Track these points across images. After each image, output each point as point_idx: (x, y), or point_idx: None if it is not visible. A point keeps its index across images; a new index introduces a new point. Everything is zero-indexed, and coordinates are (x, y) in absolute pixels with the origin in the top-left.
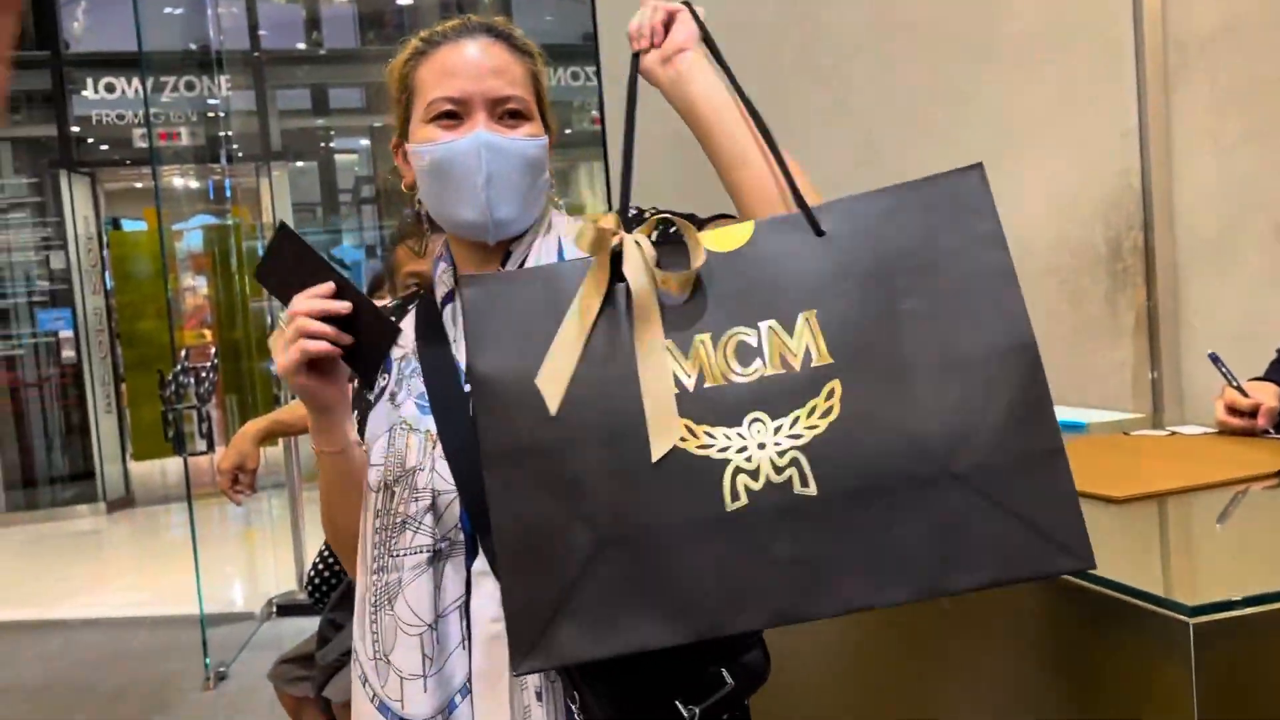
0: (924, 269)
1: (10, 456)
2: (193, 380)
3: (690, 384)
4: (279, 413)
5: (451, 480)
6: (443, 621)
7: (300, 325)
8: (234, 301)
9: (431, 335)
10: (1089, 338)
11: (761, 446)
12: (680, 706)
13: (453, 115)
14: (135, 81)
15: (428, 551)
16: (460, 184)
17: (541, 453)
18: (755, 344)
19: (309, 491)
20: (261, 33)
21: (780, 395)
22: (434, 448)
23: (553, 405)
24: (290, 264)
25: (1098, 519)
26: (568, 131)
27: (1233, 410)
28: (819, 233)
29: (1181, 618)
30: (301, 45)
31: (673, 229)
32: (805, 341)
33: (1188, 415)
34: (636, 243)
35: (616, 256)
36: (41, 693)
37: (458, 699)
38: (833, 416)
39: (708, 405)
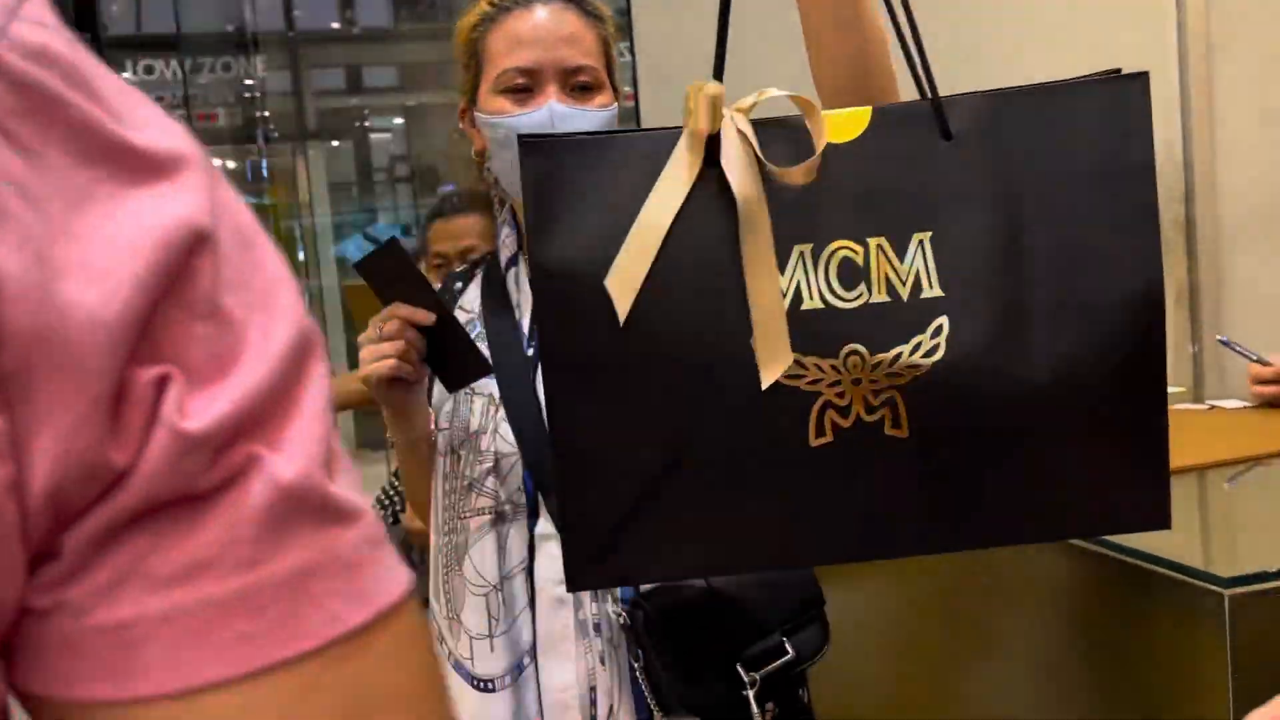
0: (1059, 196)
1: None
2: None
3: (786, 302)
4: None
5: (514, 442)
6: (508, 583)
7: (397, 345)
8: None
9: (495, 300)
10: None
11: (856, 383)
12: (741, 671)
13: (524, 88)
14: (173, 63)
15: (490, 513)
16: None
17: (612, 366)
18: (861, 263)
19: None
20: (296, 13)
21: (883, 327)
22: (496, 411)
23: (622, 311)
24: (393, 273)
25: None
26: None
27: (1260, 381)
28: (946, 135)
29: (1216, 589)
30: (335, 25)
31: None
32: (917, 267)
33: (1229, 390)
34: (738, 129)
35: (714, 139)
36: None
37: (525, 660)
38: (937, 356)
39: (803, 331)
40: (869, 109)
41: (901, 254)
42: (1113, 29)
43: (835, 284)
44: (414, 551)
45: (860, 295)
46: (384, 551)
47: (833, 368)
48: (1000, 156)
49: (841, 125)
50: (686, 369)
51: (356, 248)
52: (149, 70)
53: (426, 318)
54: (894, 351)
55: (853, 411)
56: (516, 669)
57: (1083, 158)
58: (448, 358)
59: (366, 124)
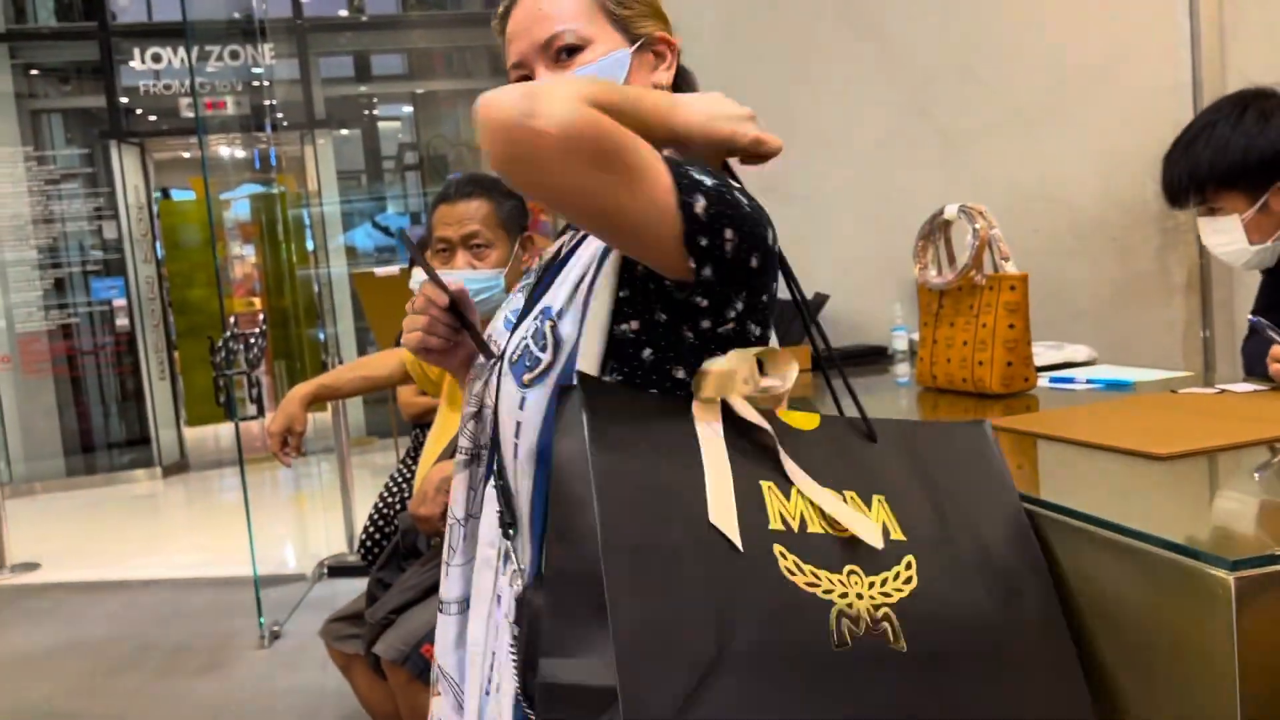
0: (952, 479)
1: (69, 423)
2: (242, 347)
3: (795, 525)
4: (325, 377)
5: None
6: (472, 522)
7: (422, 321)
8: (281, 269)
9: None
10: (1139, 295)
11: (860, 596)
12: None
13: (526, 78)
14: (181, 51)
15: (466, 454)
16: None
17: (667, 555)
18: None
19: (357, 455)
20: (304, 0)
21: (869, 556)
22: (499, 362)
23: (736, 539)
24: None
25: (1141, 476)
26: None
27: None
28: (872, 439)
29: (1222, 573)
30: (343, 12)
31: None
32: (882, 518)
33: (1240, 374)
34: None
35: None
36: (106, 649)
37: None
38: (913, 585)
39: (811, 548)
40: (817, 414)
41: (868, 505)
42: (1126, 12)
43: (828, 519)
44: (420, 539)
45: (849, 530)
46: None
47: (839, 581)
48: (909, 454)
49: (800, 420)
50: (730, 569)
51: (365, 235)
52: (156, 58)
53: (442, 299)
54: (881, 576)
55: (862, 621)
56: (464, 603)
57: (970, 473)
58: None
59: (375, 112)
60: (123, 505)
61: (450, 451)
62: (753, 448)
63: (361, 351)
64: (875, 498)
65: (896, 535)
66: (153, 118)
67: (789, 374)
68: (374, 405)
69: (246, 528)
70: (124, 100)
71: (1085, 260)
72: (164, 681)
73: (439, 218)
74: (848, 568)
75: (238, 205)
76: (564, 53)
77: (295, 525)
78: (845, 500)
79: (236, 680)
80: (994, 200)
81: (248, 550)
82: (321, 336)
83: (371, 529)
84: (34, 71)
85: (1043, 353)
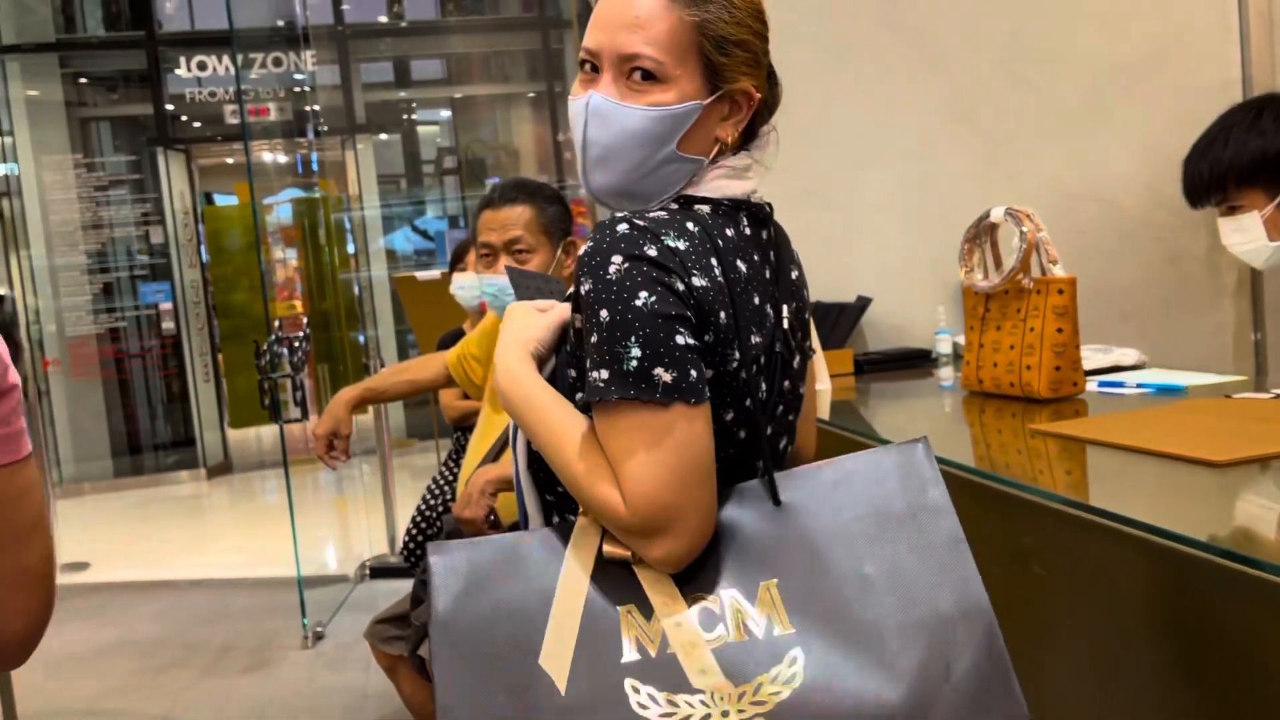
0: (879, 536)
1: (117, 425)
2: (286, 350)
3: (654, 648)
4: (371, 381)
5: None
6: None
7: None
8: (323, 273)
9: None
10: (1188, 298)
11: (725, 715)
12: None
13: (593, 68)
14: (225, 59)
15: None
16: (576, 146)
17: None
18: (718, 611)
19: (399, 457)
20: (344, 7)
21: (744, 662)
22: None
23: (561, 685)
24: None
25: (1198, 483)
26: None
27: None
28: (777, 502)
29: None
30: (383, 18)
31: None
32: (767, 611)
33: None
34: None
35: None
36: (153, 648)
37: None
38: (796, 684)
39: (671, 671)
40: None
41: (752, 600)
42: (1171, 8)
43: (698, 629)
44: (423, 602)
45: (719, 635)
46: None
47: (701, 702)
48: (826, 511)
49: None
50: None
51: (404, 239)
52: (202, 66)
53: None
54: (756, 681)
55: None
56: None
57: (893, 503)
58: None
59: (414, 116)
60: (168, 506)
61: (494, 455)
62: (626, 570)
63: (402, 354)
64: (764, 586)
65: (783, 629)
66: (197, 124)
67: None
68: (414, 408)
69: (290, 529)
70: (170, 108)
71: (1132, 262)
72: (210, 680)
73: (483, 223)
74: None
75: (280, 210)
76: (639, 75)
77: (337, 526)
78: (721, 604)
79: (281, 680)
80: (1037, 202)
81: (290, 551)
82: (362, 339)
83: (415, 531)
84: (83, 80)
85: (1090, 356)
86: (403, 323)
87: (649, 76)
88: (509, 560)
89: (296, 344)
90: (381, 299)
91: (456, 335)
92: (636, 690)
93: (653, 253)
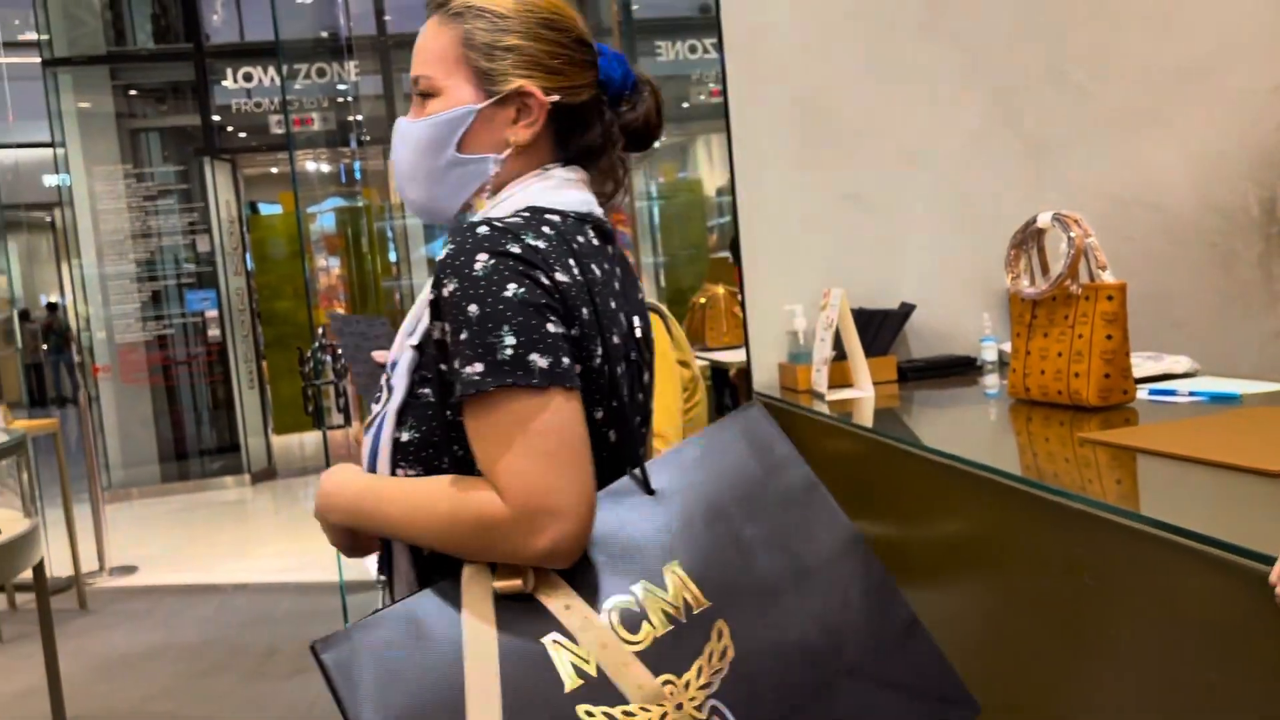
0: (748, 499)
1: (164, 430)
2: (329, 357)
3: (593, 669)
4: None
5: None
6: None
7: None
8: (366, 281)
9: None
10: (1241, 305)
11: (679, 707)
12: None
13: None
14: (270, 70)
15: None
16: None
17: None
18: (637, 608)
19: None
20: (387, 17)
21: (678, 651)
22: None
23: None
24: None
25: (1254, 493)
26: (684, 105)
27: None
28: (650, 491)
29: None
30: None
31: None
32: (680, 593)
33: None
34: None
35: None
36: (198, 651)
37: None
38: (731, 655)
39: (614, 689)
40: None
41: (663, 586)
42: (1222, 10)
43: (623, 633)
44: None
45: (647, 633)
46: None
47: (655, 705)
48: (695, 488)
49: None
50: None
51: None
52: (248, 77)
53: None
54: (695, 666)
55: None
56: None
57: (748, 467)
58: None
59: None
60: (213, 511)
61: None
62: (532, 603)
63: None
64: (668, 570)
65: (700, 606)
66: (243, 135)
67: None
68: None
69: None
70: (216, 118)
71: (1182, 269)
72: (254, 684)
73: None
74: (662, 678)
75: (323, 218)
76: (421, 96)
77: None
78: (636, 599)
79: (323, 684)
80: (1083, 207)
81: (332, 556)
82: None
83: None
84: (133, 92)
85: (1141, 364)
86: None
87: (427, 94)
88: (410, 635)
89: (340, 351)
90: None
91: None
92: (590, 714)
93: (516, 250)
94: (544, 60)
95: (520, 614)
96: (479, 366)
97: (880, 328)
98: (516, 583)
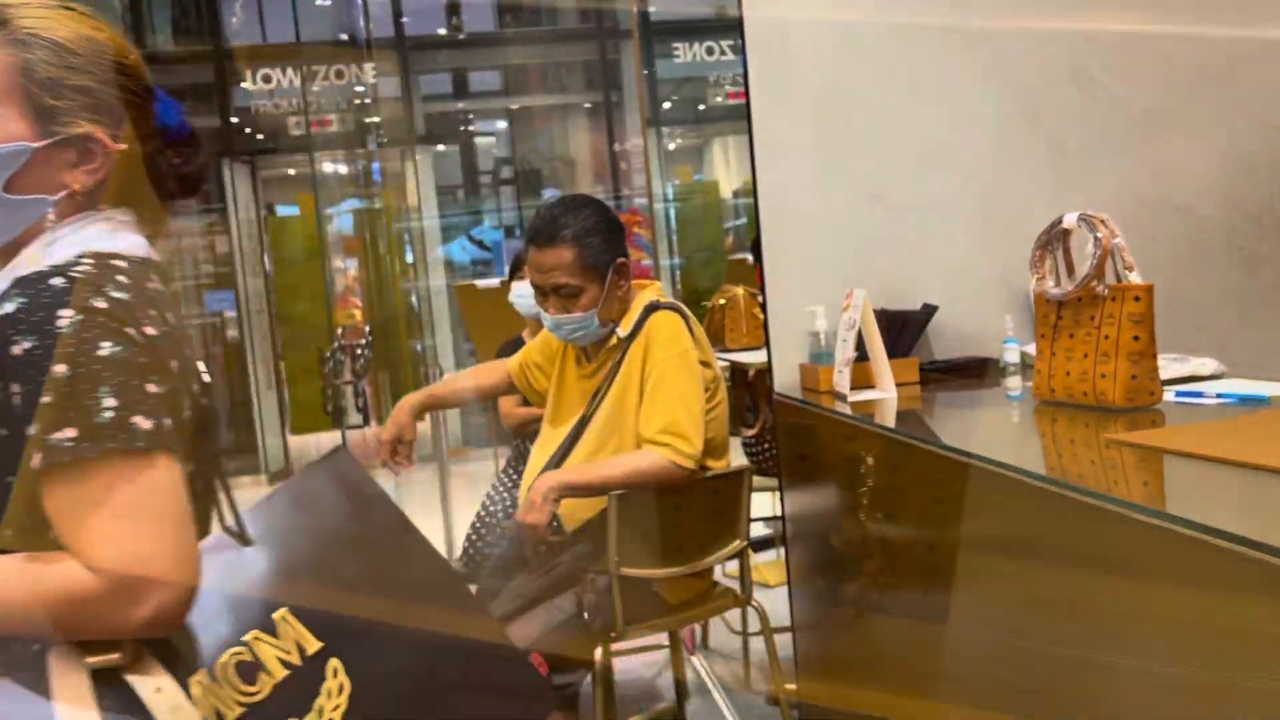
0: (348, 539)
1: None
2: (348, 358)
3: None
4: (435, 387)
5: None
6: None
7: None
8: (383, 282)
9: None
10: (1267, 307)
11: None
12: None
13: None
14: (290, 71)
15: None
16: None
17: None
18: (251, 659)
19: (456, 465)
20: (404, 20)
21: (299, 694)
22: None
23: None
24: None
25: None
26: (701, 107)
27: None
28: (247, 542)
29: None
30: (442, 30)
31: None
32: (292, 637)
33: None
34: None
35: None
36: None
37: None
38: (348, 689)
39: None
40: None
41: (274, 634)
42: (1251, 6)
43: (240, 686)
44: (526, 546)
45: (265, 683)
46: None
47: None
48: (293, 535)
49: None
50: None
51: (461, 249)
52: (266, 79)
53: None
54: (316, 706)
55: None
56: None
57: (344, 505)
58: None
59: (472, 127)
60: None
61: (556, 462)
62: (124, 686)
63: (460, 363)
64: (278, 617)
65: (313, 647)
66: (261, 136)
67: None
68: (469, 415)
69: None
70: (235, 120)
71: (1208, 271)
72: None
73: (530, 261)
74: None
75: (341, 220)
76: None
77: None
78: (250, 651)
79: None
80: (1107, 208)
81: None
82: (420, 348)
83: (474, 537)
84: None
85: (1166, 366)
86: (460, 332)
87: None
88: None
89: (359, 352)
90: (439, 308)
91: (515, 343)
92: None
93: (103, 304)
94: (114, 106)
95: (121, 690)
96: (71, 431)
97: (902, 329)
98: (114, 656)
